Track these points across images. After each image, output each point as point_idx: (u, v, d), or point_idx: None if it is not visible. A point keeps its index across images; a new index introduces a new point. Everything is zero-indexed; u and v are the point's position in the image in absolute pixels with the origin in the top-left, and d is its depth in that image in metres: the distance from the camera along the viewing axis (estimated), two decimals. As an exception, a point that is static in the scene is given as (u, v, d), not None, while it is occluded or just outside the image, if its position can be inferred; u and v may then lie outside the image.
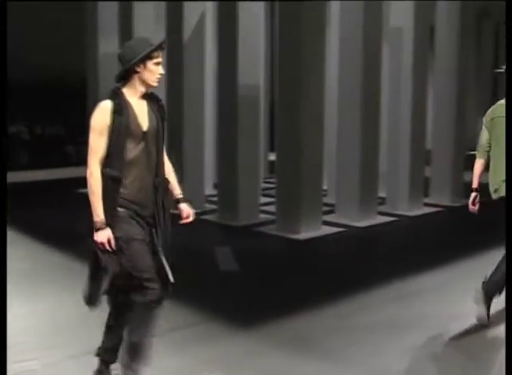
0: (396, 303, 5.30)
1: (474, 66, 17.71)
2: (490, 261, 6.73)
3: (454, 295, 5.52)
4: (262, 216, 8.91)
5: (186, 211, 3.59)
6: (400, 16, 9.40)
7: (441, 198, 10.23)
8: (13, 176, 10.48)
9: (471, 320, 4.75)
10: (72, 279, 4.81)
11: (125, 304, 3.29)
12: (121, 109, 3.20)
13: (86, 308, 3.36)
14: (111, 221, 3.18)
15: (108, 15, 11.47)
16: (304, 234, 7.78)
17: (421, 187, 9.76)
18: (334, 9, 9.41)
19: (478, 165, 4.99)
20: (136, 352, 3.27)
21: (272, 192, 9.51)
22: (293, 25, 7.81)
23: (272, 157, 11.45)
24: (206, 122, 10.03)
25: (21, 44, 13.59)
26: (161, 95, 10.78)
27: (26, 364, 3.91)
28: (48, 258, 6.86)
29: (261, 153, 11.18)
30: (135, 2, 10.30)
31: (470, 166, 13.05)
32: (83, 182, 3.33)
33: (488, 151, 4.89)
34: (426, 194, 10.18)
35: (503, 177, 4.57)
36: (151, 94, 3.39)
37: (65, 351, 4.12)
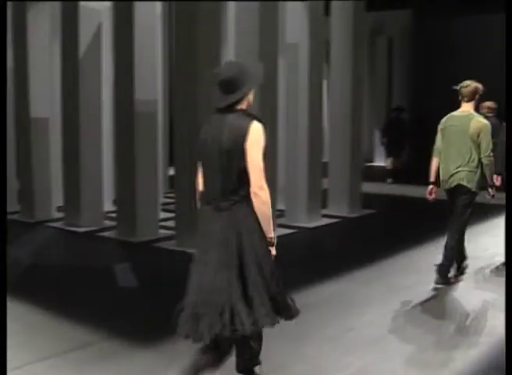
0: (304, 311, 5.47)
1: (368, 80, 18.44)
2: (387, 270, 7.10)
3: (351, 307, 5.76)
4: (162, 231, 8.92)
5: None
6: (295, 32, 9.70)
7: (339, 209, 10.58)
8: None
9: (369, 331, 4.99)
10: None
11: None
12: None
13: None
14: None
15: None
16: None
17: (319, 198, 10.07)
18: (230, 26, 9.59)
19: (434, 162, 6.31)
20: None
21: (173, 207, 9.53)
22: (188, 42, 7.91)
23: (172, 171, 11.47)
24: (103, 137, 9.94)
25: None
26: (57, 110, 10.62)
27: None
28: None
29: (161, 168, 11.19)
30: (29, 14, 10.07)
31: (367, 177, 13.65)
32: None
33: (441, 152, 6.27)
34: (324, 206, 10.50)
35: (451, 173, 6.11)
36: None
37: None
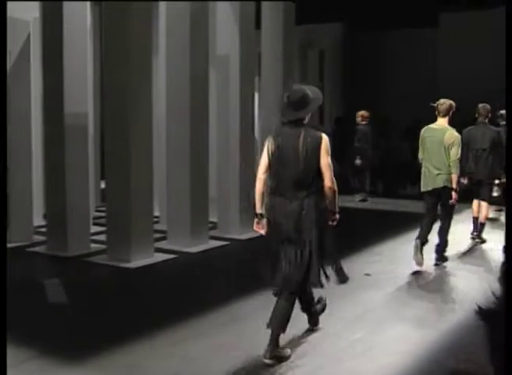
0: (229, 328, 5.57)
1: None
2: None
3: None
4: (94, 245, 8.89)
5: None
6: (226, 44, 9.87)
7: (271, 220, 10.72)
8: None
9: (296, 347, 5.12)
10: None
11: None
12: None
13: None
14: None
15: None
16: (136, 263, 7.90)
17: (251, 210, 10.17)
18: (161, 37, 9.68)
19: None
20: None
21: (104, 221, 9.51)
22: (118, 53, 7.96)
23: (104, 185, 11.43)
24: (33, 150, 9.83)
25: None
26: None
27: None
28: None
29: (92, 181, 11.13)
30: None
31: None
32: None
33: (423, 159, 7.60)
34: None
35: (434, 176, 7.40)
36: None
37: None
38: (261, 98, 11.51)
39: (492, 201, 9.60)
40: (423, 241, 7.61)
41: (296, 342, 5.12)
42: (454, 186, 7.38)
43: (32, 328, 5.51)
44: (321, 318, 5.52)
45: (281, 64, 10.89)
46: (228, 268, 8.18)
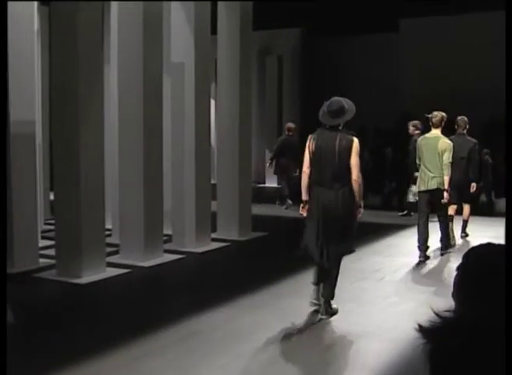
0: (186, 343, 5.55)
1: (258, 100, 18.81)
2: (277, 294, 7.26)
3: (240, 334, 5.87)
4: (42, 260, 8.73)
5: None
6: (180, 50, 9.83)
7: (229, 232, 10.75)
8: None
9: (257, 359, 5.12)
10: None
11: None
12: None
13: None
14: None
15: None
16: (87, 278, 7.79)
17: (208, 222, 10.18)
18: (113, 44, 9.60)
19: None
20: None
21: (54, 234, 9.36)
22: (68, 60, 7.86)
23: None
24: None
25: None
26: None
27: None
28: None
29: (41, 193, 10.94)
30: None
31: (258, 199, 13.84)
32: None
33: (419, 165, 8.87)
34: (214, 229, 10.62)
35: (429, 179, 8.68)
36: None
37: None
38: (217, 105, 11.49)
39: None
40: (425, 247, 8.86)
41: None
42: (446, 187, 8.60)
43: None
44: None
45: (238, 70, 10.89)
46: (183, 282, 8.13)
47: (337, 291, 6.40)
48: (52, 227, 10.90)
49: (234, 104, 10.90)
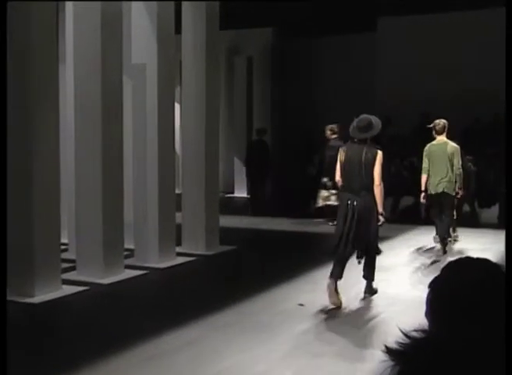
0: (150, 363, 5.59)
1: (226, 103, 18.86)
2: (248, 311, 7.29)
3: (209, 353, 5.89)
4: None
5: None
6: (142, 50, 9.84)
7: (194, 246, 10.74)
8: None
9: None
10: None
11: None
12: None
13: None
14: None
15: None
16: (40, 297, 7.71)
17: (172, 235, 10.17)
18: (68, 45, 9.57)
19: (424, 177, 10.25)
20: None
21: (3, 249, 9.28)
22: (23, 62, 7.82)
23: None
24: None
25: None
26: None
27: None
28: None
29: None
30: None
31: (226, 210, 13.88)
32: None
33: (429, 170, 10.20)
34: (179, 243, 10.61)
35: (437, 183, 10.11)
36: None
37: None
38: (182, 109, 11.50)
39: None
40: (444, 236, 10.36)
41: None
42: (459, 185, 10.20)
43: None
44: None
45: (204, 72, 10.91)
46: (146, 300, 8.11)
47: (309, 308, 6.37)
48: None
49: (200, 108, 10.90)
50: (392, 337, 1.57)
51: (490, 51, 16.53)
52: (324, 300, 7.63)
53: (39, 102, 7.89)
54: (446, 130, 10.25)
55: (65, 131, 9.78)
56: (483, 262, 1.70)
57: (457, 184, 10.20)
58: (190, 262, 10.18)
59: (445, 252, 10.28)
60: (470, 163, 13.17)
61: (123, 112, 9.23)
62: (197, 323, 6.82)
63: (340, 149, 7.70)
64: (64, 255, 9.03)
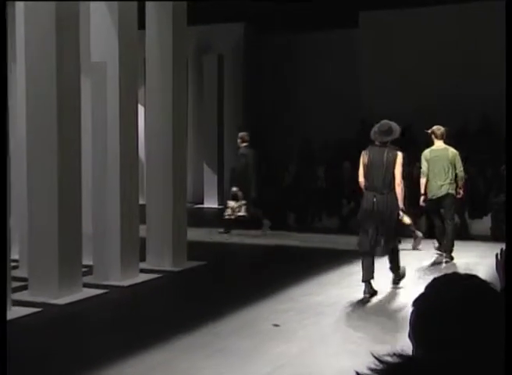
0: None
1: (195, 105, 18.84)
2: (219, 333, 7.25)
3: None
4: None
5: None
6: (102, 47, 9.78)
7: (160, 261, 10.69)
8: None
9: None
10: None
11: None
12: None
13: None
14: None
15: None
16: (-12, 319, 7.61)
17: (135, 250, 10.11)
18: (19, 42, 9.50)
19: (423, 181, 11.27)
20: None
21: None
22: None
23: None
24: None
25: None
26: None
27: None
28: None
29: None
30: None
31: (194, 222, 13.84)
32: None
33: (428, 174, 11.23)
34: (143, 258, 10.54)
35: (439, 186, 11.16)
36: None
37: None
38: (146, 111, 11.45)
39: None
40: (451, 247, 11.26)
41: None
42: (460, 185, 11.34)
43: None
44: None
45: (170, 71, 10.88)
46: (105, 322, 8.04)
47: (285, 329, 6.39)
48: None
49: (166, 110, 10.86)
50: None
51: (482, 49, 16.69)
52: (302, 319, 7.61)
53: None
54: (444, 136, 11.27)
55: (15, 136, 9.66)
56: (470, 279, 1.69)
57: (459, 185, 11.36)
58: (155, 279, 10.11)
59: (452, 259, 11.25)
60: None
61: (81, 115, 9.15)
62: (162, 346, 6.76)
63: (363, 152, 9.02)
64: (14, 273, 8.93)
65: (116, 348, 6.71)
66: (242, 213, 13.51)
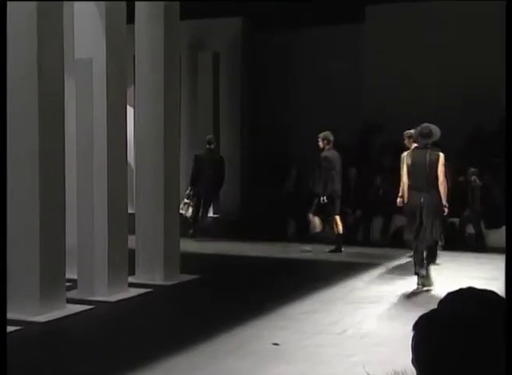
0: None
1: (189, 106, 18.80)
2: (214, 353, 7.22)
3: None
4: None
5: None
6: (87, 43, 9.76)
7: (151, 275, 10.65)
8: None
9: None
10: None
11: None
12: None
13: None
14: None
15: None
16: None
17: (124, 262, 10.07)
18: None
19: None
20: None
21: None
22: None
23: None
24: None
25: None
26: None
27: None
28: None
29: None
30: None
31: (188, 233, 13.78)
32: None
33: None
34: (132, 272, 10.50)
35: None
36: None
37: None
38: (136, 113, 11.43)
39: None
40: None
41: None
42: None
43: None
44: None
45: (162, 70, 10.86)
46: (91, 341, 7.99)
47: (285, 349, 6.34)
48: None
49: (157, 112, 10.85)
50: None
51: (497, 46, 16.64)
52: (302, 338, 7.57)
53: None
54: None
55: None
56: (486, 296, 1.64)
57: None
58: (145, 294, 10.10)
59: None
60: (474, 176, 13.23)
61: (65, 118, 9.14)
62: (152, 367, 6.73)
63: (406, 154, 10.74)
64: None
65: (101, 369, 6.67)
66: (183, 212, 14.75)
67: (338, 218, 13.57)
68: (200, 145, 19.17)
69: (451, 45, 17.18)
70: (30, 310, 8.54)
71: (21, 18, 8.59)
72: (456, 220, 13.56)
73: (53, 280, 8.83)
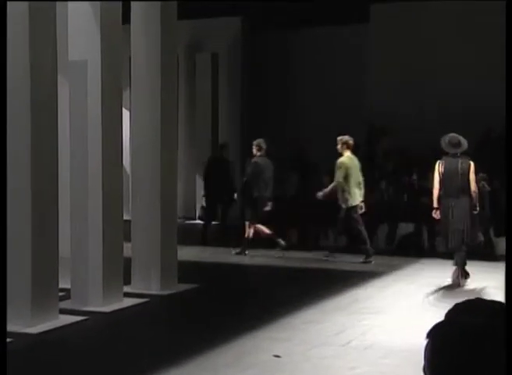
0: None
1: (186, 109, 18.83)
2: (212, 365, 7.23)
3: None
4: None
5: None
6: (82, 45, 9.76)
7: (147, 284, 10.64)
8: None
9: None
10: None
11: None
12: None
13: None
14: None
15: None
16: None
17: (119, 271, 10.07)
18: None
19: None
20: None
21: None
22: None
23: None
24: None
25: None
26: None
27: None
28: None
29: None
30: None
31: (186, 240, 13.83)
32: None
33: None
34: (127, 281, 10.49)
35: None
36: None
37: None
38: (132, 116, 11.43)
39: None
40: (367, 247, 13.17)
41: None
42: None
43: None
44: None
45: (159, 71, 10.87)
46: (84, 353, 7.99)
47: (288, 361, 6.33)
48: None
49: (154, 115, 10.85)
50: None
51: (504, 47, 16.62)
52: (304, 350, 7.57)
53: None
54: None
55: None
56: (495, 306, 1.66)
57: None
58: (141, 304, 10.08)
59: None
60: (483, 182, 13.23)
61: (58, 121, 9.14)
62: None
63: (439, 162, 11.30)
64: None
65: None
66: None
67: (252, 226, 14.07)
68: (200, 147, 19.23)
69: (457, 45, 17.21)
70: (21, 321, 8.52)
71: (12, 18, 8.61)
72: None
73: (45, 290, 8.83)
